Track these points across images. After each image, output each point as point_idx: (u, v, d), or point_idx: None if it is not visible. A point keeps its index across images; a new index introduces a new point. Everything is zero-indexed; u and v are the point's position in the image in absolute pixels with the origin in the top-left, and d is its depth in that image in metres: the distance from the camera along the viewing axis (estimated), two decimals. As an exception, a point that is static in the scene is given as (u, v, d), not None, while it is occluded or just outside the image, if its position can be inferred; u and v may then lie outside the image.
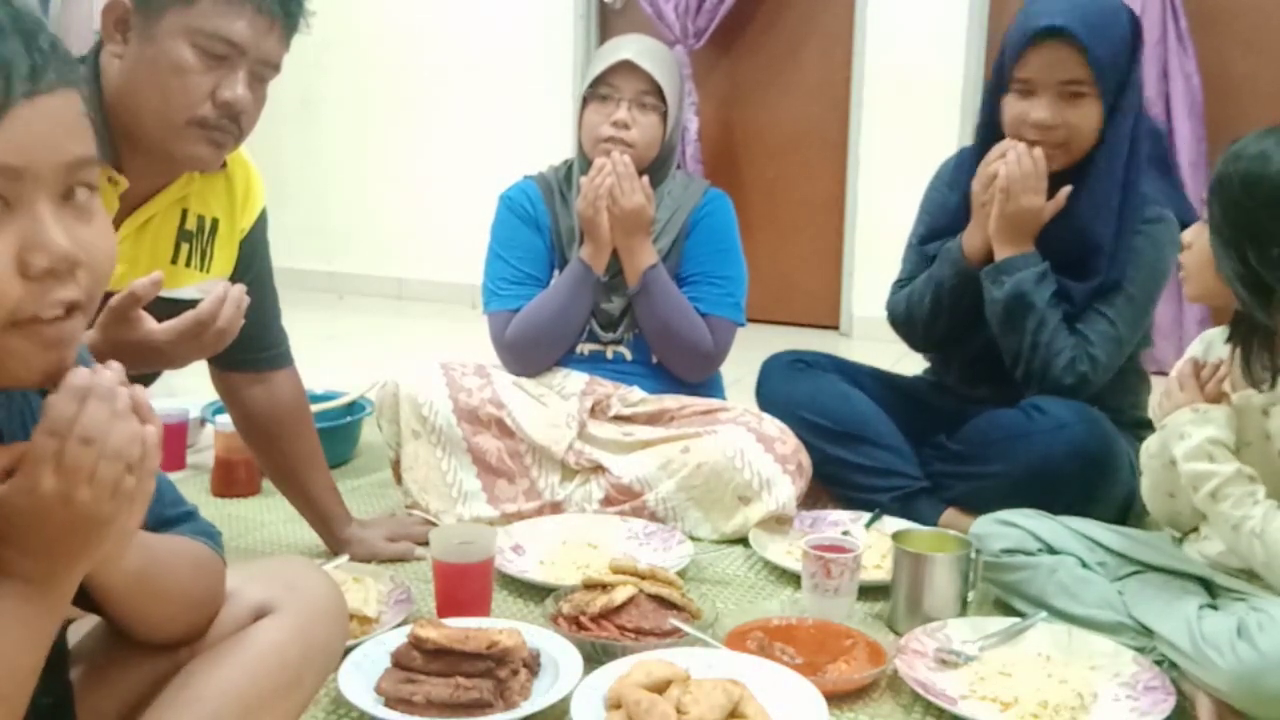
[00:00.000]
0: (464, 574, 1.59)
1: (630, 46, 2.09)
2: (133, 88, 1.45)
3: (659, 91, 2.08)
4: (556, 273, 2.18)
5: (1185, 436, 1.43)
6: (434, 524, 1.97)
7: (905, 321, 2.11)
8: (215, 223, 1.67)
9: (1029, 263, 1.88)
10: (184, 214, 1.63)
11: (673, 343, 2.14)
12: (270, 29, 1.46)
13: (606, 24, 4.46)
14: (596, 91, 2.09)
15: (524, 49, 4.55)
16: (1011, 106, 1.89)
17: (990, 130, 1.96)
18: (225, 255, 1.69)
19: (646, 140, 2.09)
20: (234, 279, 1.68)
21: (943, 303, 2.01)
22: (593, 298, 2.14)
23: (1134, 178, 1.90)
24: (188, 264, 1.64)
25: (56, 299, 0.74)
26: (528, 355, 2.15)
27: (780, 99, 4.23)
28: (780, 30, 4.19)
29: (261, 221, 1.74)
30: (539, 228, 2.20)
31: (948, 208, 2.07)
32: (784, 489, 1.96)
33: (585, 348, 2.19)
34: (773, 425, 2.03)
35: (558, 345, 2.16)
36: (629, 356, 2.19)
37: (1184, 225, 1.82)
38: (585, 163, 2.13)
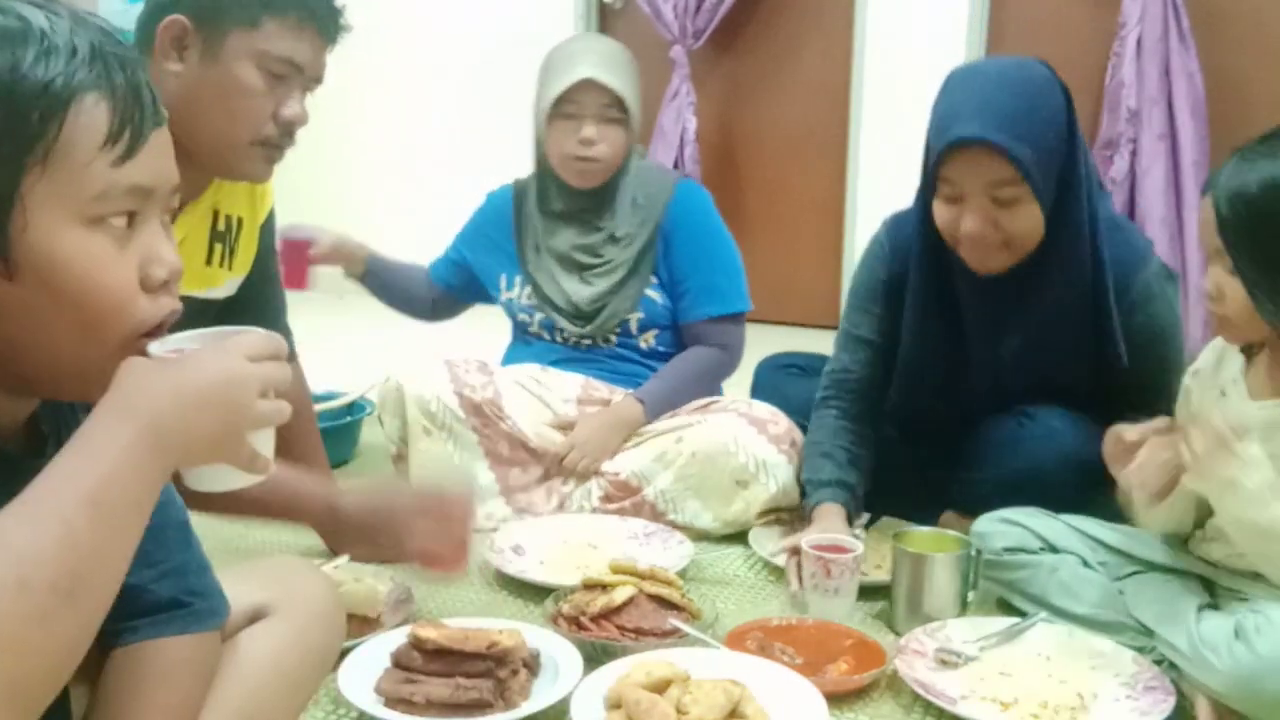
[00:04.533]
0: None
1: (587, 59, 2.08)
2: (195, 108, 1.45)
3: (621, 103, 2.08)
4: (515, 278, 2.23)
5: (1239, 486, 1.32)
6: None
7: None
8: (240, 221, 1.70)
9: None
10: (215, 215, 1.65)
11: (699, 394, 2.15)
12: (325, 47, 1.51)
13: (606, 24, 4.46)
14: (560, 110, 2.08)
15: (524, 49, 4.53)
16: (941, 212, 1.70)
17: (928, 221, 1.75)
18: (247, 251, 1.71)
19: (613, 153, 2.11)
20: (248, 273, 1.71)
21: None
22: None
23: (1103, 255, 1.74)
24: (220, 264, 1.66)
25: (167, 309, 0.81)
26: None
27: (780, 99, 4.22)
28: (779, 30, 4.18)
29: (271, 217, 1.77)
30: (496, 231, 2.26)
31: (874, 290, 1.93)
32: (782, 470, 1.97)
33: (572, 339, 2.21)
34: (763, 408, 2.04)
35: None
36: (613, 340, 2.20)
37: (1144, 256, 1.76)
38: (550, 177, 2.17)
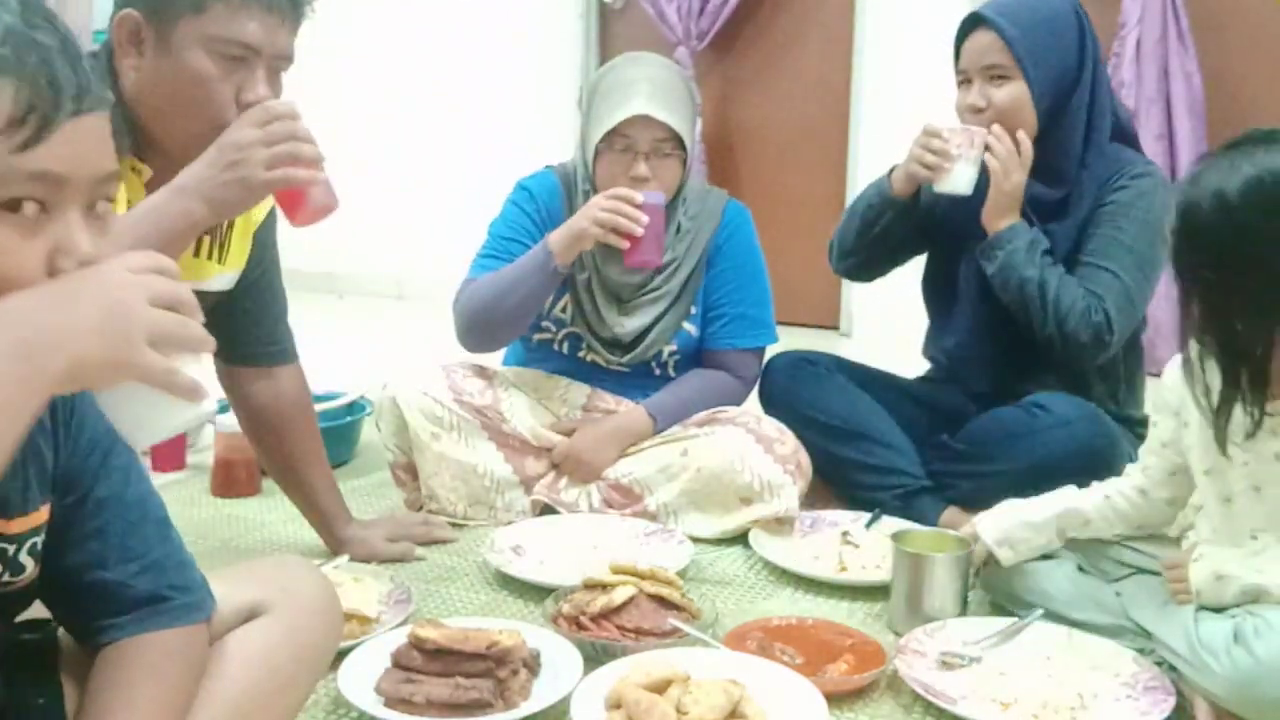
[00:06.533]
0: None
1: (642, 91, 1.96)
2: (156, 101, 1.44)
3: (676, 137, 1.98)
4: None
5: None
6: (461, 525, 2.00)
7: (837, 235, 2.16)
8: None
9: (1017, 233, 1.89)
10: None
11: (706, 408, 2.10)
12: (281, 24, 1.46)
13: (606, 24, 4.46)
14: (611, 144, 1.98)
15: (524, 49, 4.55)
16: (958, 99, 1.98)
17: None
18: (240, 247, 1.70)
19: (667, 189, 2.01)
20: (246, 271, 1.71)
21: (859, 219, 2.07)
22: (549, 287, 2.00)
23: (1092, 159, 1.94)
24: (209, 256, 1.65)
25: None
26: (472, 326, 2.03)
27: (780, 99, 4.23)
28: (780, 30, 4.18)
29: (272, 215, 1.76)
30: (547, 226, 2.07)
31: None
32: (788, 492, 1.94)
33: (589, 355, 2.16)
34: (771, 426, 2.02)
35: (503, 323, 2.03)
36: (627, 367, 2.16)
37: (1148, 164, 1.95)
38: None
